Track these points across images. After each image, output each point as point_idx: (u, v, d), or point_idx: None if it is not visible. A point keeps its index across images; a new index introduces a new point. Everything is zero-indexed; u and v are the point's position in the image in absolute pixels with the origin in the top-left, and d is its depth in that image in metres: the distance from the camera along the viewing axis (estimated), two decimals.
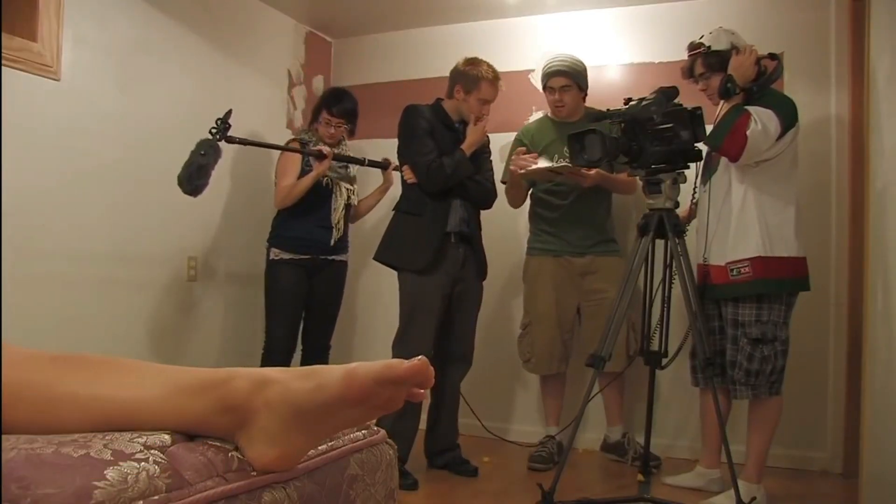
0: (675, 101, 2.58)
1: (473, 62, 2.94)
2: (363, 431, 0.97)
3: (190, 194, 2.64)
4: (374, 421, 0.99)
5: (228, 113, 2.70)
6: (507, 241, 3.54)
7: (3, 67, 2.38)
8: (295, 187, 3.12)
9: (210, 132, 2.65)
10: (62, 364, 0.77)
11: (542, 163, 3.05)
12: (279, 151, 3.26)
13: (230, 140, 2.72)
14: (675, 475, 2.87)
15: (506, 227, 3.51)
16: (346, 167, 3.31)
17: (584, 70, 3.18)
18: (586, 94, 3.22)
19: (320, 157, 3.09)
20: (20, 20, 2.52)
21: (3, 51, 2.38)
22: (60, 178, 2.68)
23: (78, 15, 2.70)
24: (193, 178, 2.60)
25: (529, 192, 3.30)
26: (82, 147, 2.75)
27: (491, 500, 2.70)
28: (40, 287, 2.60)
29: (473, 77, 2.90)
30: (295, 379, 0.75)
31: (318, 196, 3.19)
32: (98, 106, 2.81)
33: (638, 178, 2.75)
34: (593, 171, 2.97)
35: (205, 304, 3.37)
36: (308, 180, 3.11)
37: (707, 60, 2.64)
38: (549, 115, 3.32)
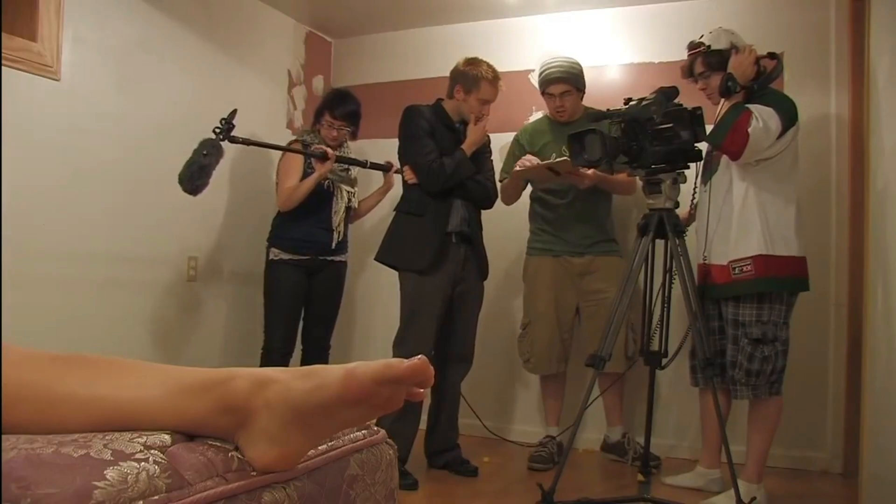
0: (675, 101, 2.58)
1: (473, 62, 2.94)
2: (363, 431, 0.97)
3: (190, 193, 2.64)
4: (374, 421, 0.99)
5: (233, 113, 2.69)
6: (507, 240, 3.53)
7: (3, 67, 2.38)
8: (298, 189, 3.11)
9: (214, 131, 2.64)
10: (62, 364, 0.77)
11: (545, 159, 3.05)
12: (280, 152, 3.26)
13: (234, 140, 2.71)
14: (675, 475, 2.87)
15: (506, 226, 3.50)
16: (348, 169, 3.31)
17: (581, 71, 3.17)
18: (584, 93, 3.22)
19: (323, 157, 3.08)
20: (20, 20, 2.52)
21: (3, 51, 2.38)
22: (60, 178, 2.68)
23: (78, 15, 2.70)
24: (195, 177, 2.59)
25: (525, 190, 3.29)
26: (82, 147, 2.75)
27: (491, 500, 2.70)
28: (40, 287, 2.60)
29: (473, 77, 2.90)
30: (295, 379, 0.75)
31: (319, 198, 3.19)
32: (98, 106, 2.81)
33: (638, 178, 2.75)
34: (590, 172, 2.97)
35: (205, 304, 3.37)
36: (311, 181, 3.10)
37: (707, 60, 2.64)
38: (548, 114, 3.32)
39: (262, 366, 3.12)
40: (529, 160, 3.07)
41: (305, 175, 3.14)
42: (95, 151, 2.80)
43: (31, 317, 2.48)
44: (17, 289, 2.41)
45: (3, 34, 2.38)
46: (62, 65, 2.66)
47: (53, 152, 2.65)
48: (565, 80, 3.12)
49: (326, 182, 3.19)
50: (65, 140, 2.69)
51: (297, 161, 3.17)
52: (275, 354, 3.16)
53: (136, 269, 3.01)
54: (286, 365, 3.19)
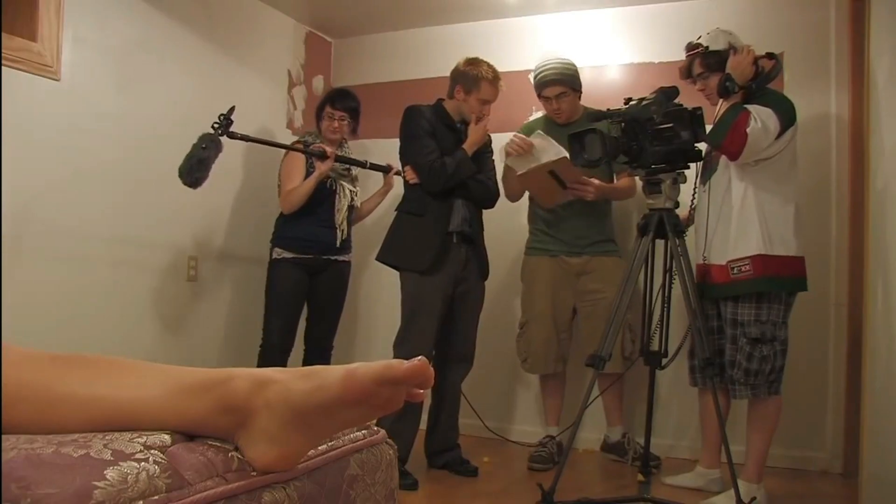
0: (676, 101, 2.58)
1: (474, 62, 2.94)
2: (363, 431, 0.97)
3: (190, 186, 2.66)
4: (375, 421, 0.99)
5: (231, 109, 2.71)
6: (507, 240, 3.53)
7: (3, 67, 2.38)
8: (298, 190, 3.11)
9: (212, 127, 2.66)
10: (62, 364, 0.77)
11: (539, 150, 2.97)
12: (283, 154, 3.26)
13: (232, 135, 2.73)
14: (675, 475, 2.87)
15: (506, 226, 3.50)
16: (349, 169, 3.31)
17: (576, 71, 3.15)
18: (581, 93, 3.21)
19: (322, 156, 3.09)
20: (20, 20, 2.52)
21: (3, 51, 2.38)
22: (60, 178, 2.68)
23: (78, 15, 2.70)
24: (194, 170, 2.62)
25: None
26: (82, 147, 2.75)
27: (491, 500, 2.70)
28: (40, 287, 2.60)
29: (474, 77, 2.90)
30: (295, 379, 0.75)
31: (322, 196, 3.19)
32: (98, 106, 2.81)
33: (638, 178, 2.74)
34: (595, 183, 2.99)
35: (205, 305, 3.37)
36: (312, 181, 3.11)
37: (705, 60, 2.64)
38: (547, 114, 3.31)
39: (260, 362, 3.14)
40: (521, 141, 2.94)
41: (308, 176, 3.14)
42: (95, 151, 2.80)
43: (31, 317, 2.48)
44: (17, 288, 2.41)
45: (3, 34, 2.38)
46: (62, 65, 2.66)
47: (53, 152, 2.65)
48: (560, 82, 3.10)
49: (329, 181, 3.20)
50: (65, 140, 2.69)
51: (300, 163, 3.18)
52: (272, 350, 3.16)
53: (135, 268, 3.01)
54: (285, 361, 3.20)
